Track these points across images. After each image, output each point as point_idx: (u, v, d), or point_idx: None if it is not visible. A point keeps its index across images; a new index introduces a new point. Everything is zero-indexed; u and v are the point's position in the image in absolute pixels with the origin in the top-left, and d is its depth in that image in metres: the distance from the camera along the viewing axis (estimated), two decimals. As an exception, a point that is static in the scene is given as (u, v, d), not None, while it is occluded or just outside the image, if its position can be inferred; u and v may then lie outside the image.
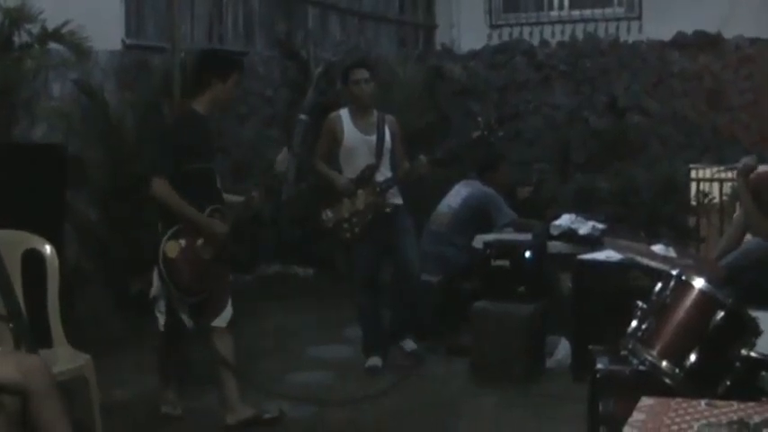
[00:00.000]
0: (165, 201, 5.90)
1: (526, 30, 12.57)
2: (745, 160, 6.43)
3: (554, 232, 7.93)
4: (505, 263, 7.42)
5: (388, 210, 7.39)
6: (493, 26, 12.77)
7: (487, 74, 12.18)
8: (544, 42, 12.35)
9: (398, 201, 7.52)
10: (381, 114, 7.59)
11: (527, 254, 7.44)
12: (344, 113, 7.55)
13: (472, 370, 7.22)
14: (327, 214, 7.39)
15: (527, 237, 7.83)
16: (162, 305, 6.06)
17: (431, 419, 6.42)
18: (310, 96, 10.98)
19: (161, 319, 6.10)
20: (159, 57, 9.25)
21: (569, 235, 7.86)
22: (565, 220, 8.05)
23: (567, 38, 12.27)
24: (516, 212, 8.39)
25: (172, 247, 5.87)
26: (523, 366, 7.06)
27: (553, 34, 12.40)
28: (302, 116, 10.72)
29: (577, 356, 6.96)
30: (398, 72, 11.29)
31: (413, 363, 7.53)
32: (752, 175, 6.37)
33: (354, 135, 7.45)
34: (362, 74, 7.53)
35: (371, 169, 7.40)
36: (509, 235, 8.04)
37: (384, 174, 7.43)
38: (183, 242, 5.90)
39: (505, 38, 12.62)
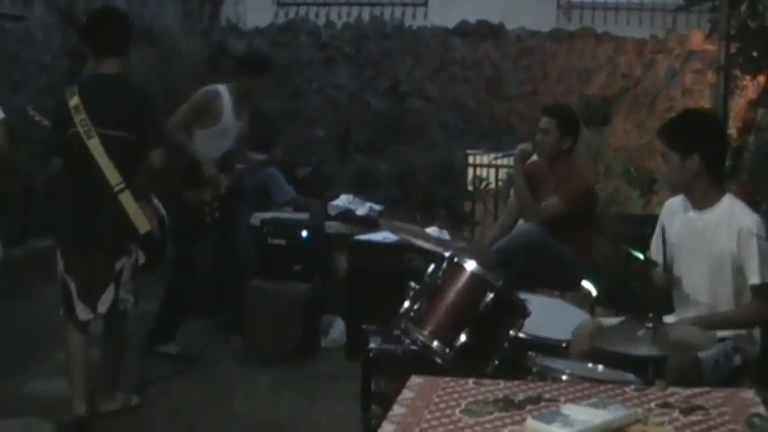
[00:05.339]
0: None
1: (313, 10, 12.53)
2: (522, 146, 6.57)
3: (332, 212, 8.00)
4: (282, 241, 7.44)
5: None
6: (280, 4, 12.66)
7: (271, 52, 12.08)
8: (330, 23, 12.35)
9: None
10: None
11: (304, 233, 7.46)
12: (224, 91, 7.13)
13: (247, 348, 7.17)
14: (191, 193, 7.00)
15: (304, 216, 7.84)
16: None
17: (204, 397, 6.34)
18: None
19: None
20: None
21: (347, 215, 7.94)
22: (343, 200, 8.13)
23: (352, 20, 12.30)
24: (295, 192, 8.37)
25: None
26: (298, 345, 7.07)
27: (339, 16, 12.41)
28: (82, 86, 10.38)
29: (351, 335, 7.03)
30: (182, 46, 11.08)
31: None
32: (527, 162, 6.52)
33: (230, 118, 7.11)
34: None
35: (234, 155, 7.17)
36: (287, 214, 8.03)
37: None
38: None
39: (292, 16, 12.56)
